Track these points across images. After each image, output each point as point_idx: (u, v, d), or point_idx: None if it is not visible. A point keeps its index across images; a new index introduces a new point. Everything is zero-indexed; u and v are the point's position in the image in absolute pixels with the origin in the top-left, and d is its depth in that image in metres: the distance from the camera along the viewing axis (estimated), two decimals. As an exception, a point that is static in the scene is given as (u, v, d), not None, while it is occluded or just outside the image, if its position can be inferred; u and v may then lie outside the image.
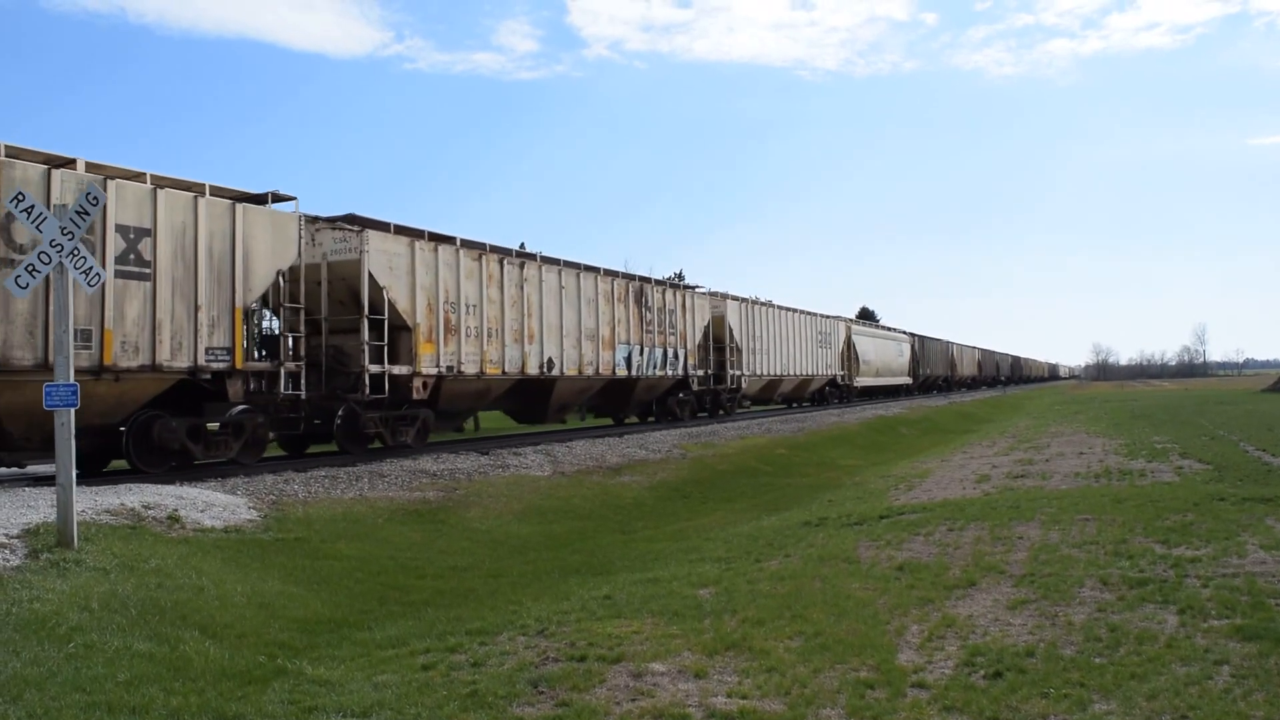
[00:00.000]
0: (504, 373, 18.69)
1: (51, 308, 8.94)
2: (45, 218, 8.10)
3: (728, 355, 30.35)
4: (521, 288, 19.40)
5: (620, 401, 25.33)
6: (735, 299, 31.84)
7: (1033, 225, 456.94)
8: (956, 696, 4.84)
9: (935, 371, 64.11)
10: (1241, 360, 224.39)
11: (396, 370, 16.24)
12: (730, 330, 30.60)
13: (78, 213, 8.17)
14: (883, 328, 56.20)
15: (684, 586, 7.80)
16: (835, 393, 44.27)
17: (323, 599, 8.21)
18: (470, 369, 17.83)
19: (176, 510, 10.22)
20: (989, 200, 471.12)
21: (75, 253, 8.13)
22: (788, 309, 37.65)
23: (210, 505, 10.88)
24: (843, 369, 44.67)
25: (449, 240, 17.80)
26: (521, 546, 11.58)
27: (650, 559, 10.12)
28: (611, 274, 23.25)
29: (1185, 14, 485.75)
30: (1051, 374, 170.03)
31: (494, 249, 19.09)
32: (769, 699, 4.97)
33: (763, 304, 34.61)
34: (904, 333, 55.90)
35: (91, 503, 9.85)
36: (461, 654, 6.10)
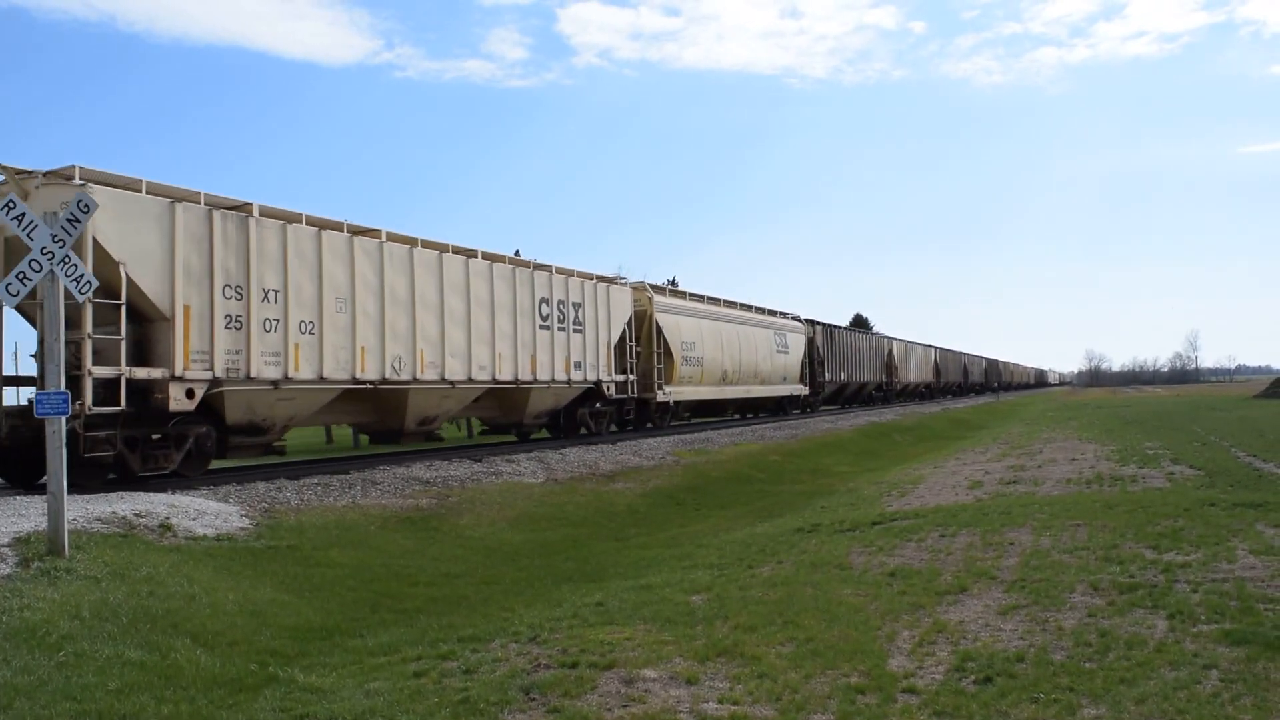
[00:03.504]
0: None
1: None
2: (36, 225, 8.10)
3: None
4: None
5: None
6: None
7: (1023, 233, 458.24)
8: (947, 702, 4.85)
9: (859, 377, 47.61)
10: (1233, 366, 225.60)
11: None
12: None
13: (69, 220, 8.17)
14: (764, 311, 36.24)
15: (676, 593, 7.80)
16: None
17: (315, 606, 8.20)
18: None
19: (168, 518, 10.20)
20: (979, 208, 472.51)
21: (66, 260, 8.12)
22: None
23: (202, 513, 10.86)
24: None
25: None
26: (514, 553, 11.57)
27: (643, 566, 10.12)
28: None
29: (1172, 23, 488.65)
30: (1039, 380, 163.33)
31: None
32: (760, 705, 4.98)
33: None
34: (796, 319, 38.82)
35: (83, 511, 9.83)
36: (453, 661, 6.10)
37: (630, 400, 24.34)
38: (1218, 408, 43.02)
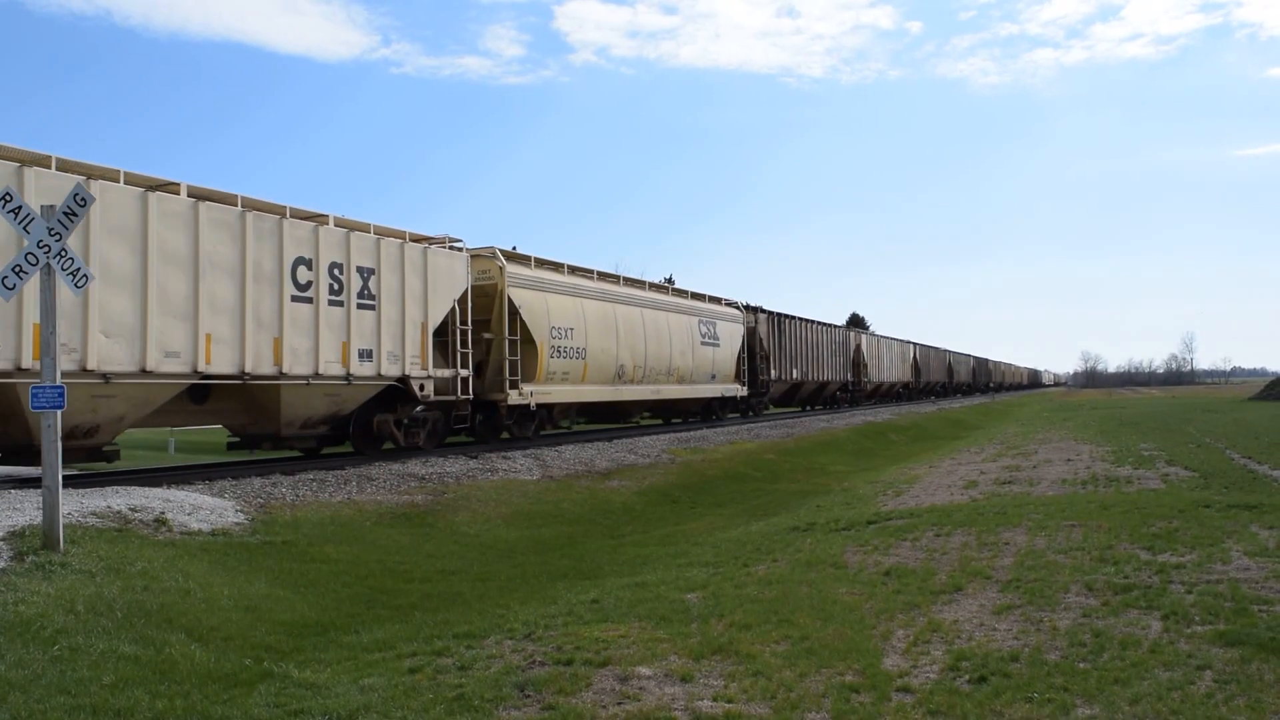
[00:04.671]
0: None
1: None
2: (33, 218, 8.08)
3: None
4: None
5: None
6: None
7: (1019, 233, 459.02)
8: (941, 701, 4.86)
9: (817, 375, 41.01)
10: (1229, 368, 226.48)
11: None
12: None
13: (66, 213, 8.15)
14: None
15: (671, 591, 7.81)
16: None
17: (309, 602, 8.19)
18: None
19: (163, 513, 10.19)
20: (976, 209, 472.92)
21: (63, 254, 8.11)
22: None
23: (197, 508, 10.85)
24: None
25: None
26: (509, 550, 11.57)
27: (638, 564, 10.13)
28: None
29: (1168, 25, 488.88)
30: (1033, 380, 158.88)
31: None
32: (755, 703, 4.98)
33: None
34: (732, 305, 32.60)
35: (78, 505, 9.82)
36: (448, 657, 6.10)
37: (464, 403, 18.29)
38: (1213, 409, 43.11)
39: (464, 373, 18.03)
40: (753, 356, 33.41)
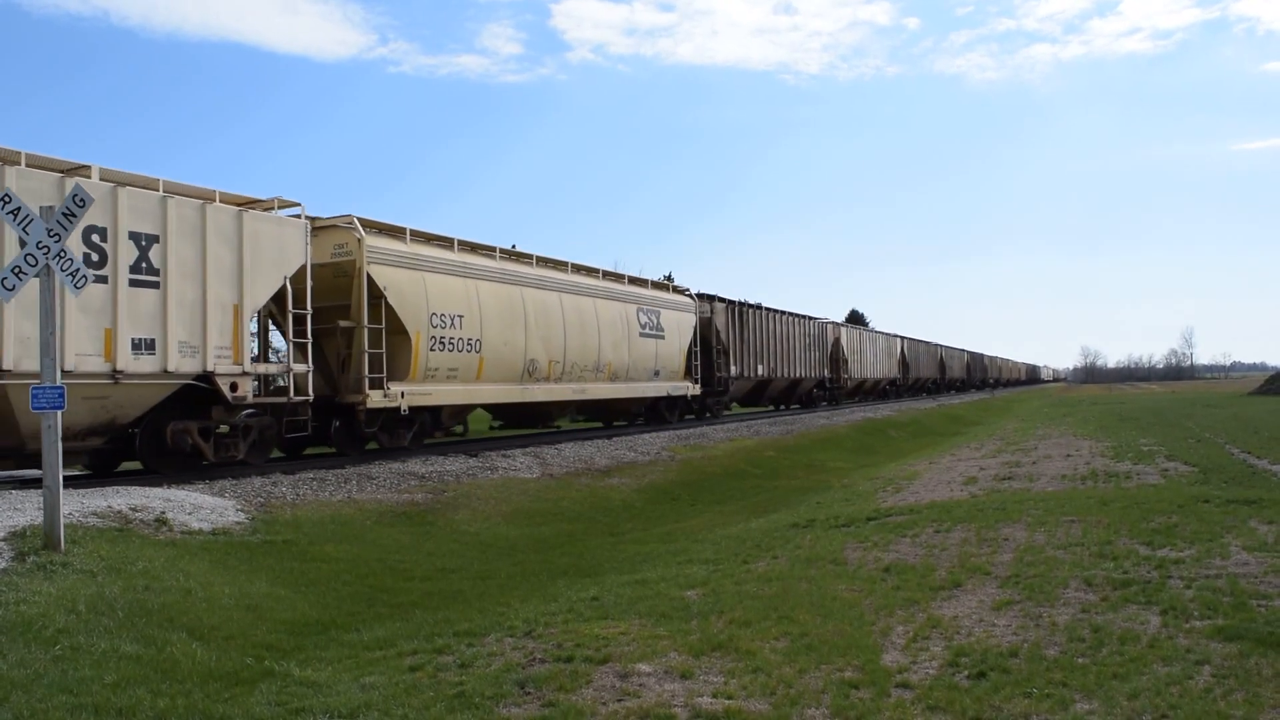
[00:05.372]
0: None
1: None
2: (32, 219, 8.09)
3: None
4: None
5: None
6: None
7: (1018, 229, 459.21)
8: (940, 696, 4.87)
9: (787, 372, 36.76)
10: (1228, 363, 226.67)
11: None
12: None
13: (65, 214, 8.16)
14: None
15: (671, 588, 7.82)
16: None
17: (310, 601, 8.21)
18: None
19: (164, 513, 10.20)
20: (974, 205, 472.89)
21: (62, 254, 8.12)
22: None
23: (198, 508, 10.86)
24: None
25: None
26: (509, 548, 11.59)
27: (638, 561, 10.15)
28: None
29: (1166, 20, 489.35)
30: (1031, 376, 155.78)
31: None
32: (754, 699, 5.00)
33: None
34: (683, 292, 28.98)
35: (79, 505, 9.83)
36: (449, 655, 6.11)
37: (301, 405, 14.91)
38: (1212, 404, 43.13)
39: (299, 368, 14.98)
40: (708, 351, 29.78)
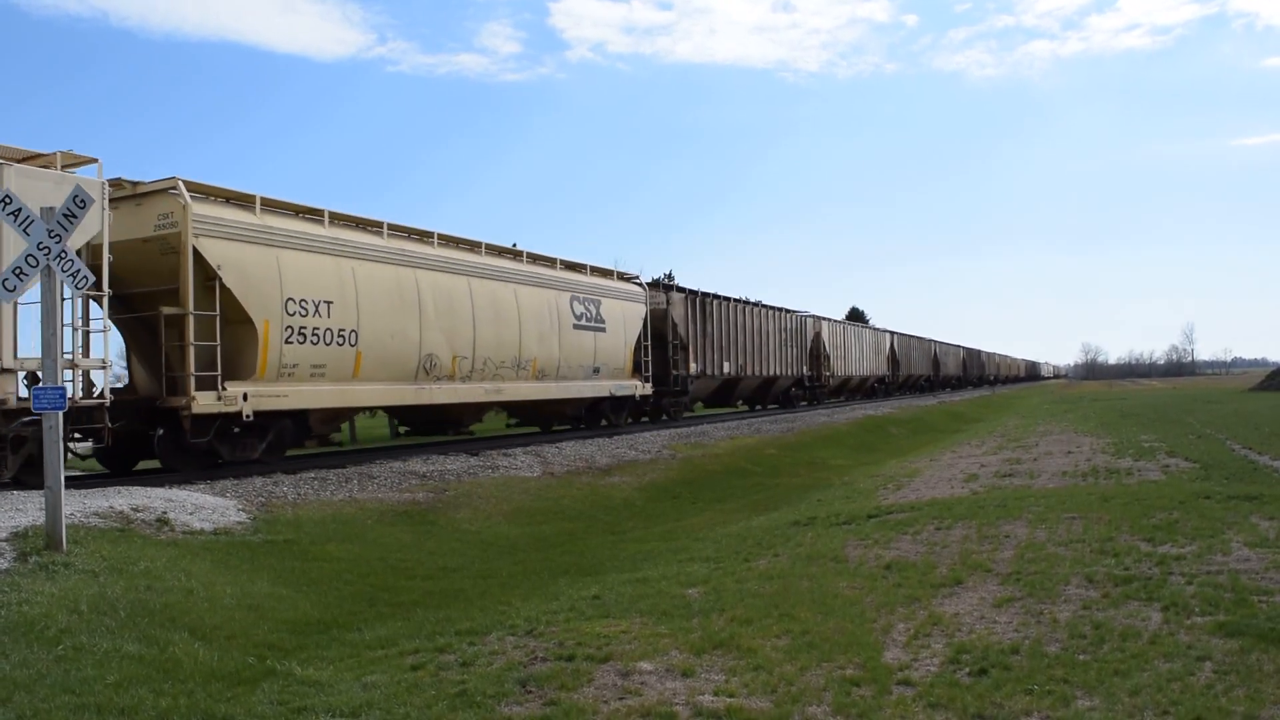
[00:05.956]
0: None
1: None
2: (32, 220, 8.09)
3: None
4: None
5: None
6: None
7: (1018, 226, 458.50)
8: (941, 694, 4.88)
9: (759, 369, 34.05)
10: (1229, 359, 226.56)
11: None
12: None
13: (65, 215, 8.15)
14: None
15: (672, 586, 7.83)
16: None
17: (312, 600, 8.22)
18: None
19: (166, 513, 10.21)
20: (974, 201, 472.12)
21: (63, 255, 8.12)
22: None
23: (200, 508, 10.87)
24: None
25: None
26: (511, 547, 11.60)
27: (639, 559, 10.15)
28: None
29: (1164, 15, 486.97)
30: (1031, 373, 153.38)
31: None
32: (756, 697, 5.00)
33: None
34: (631, 280, 25.93)
35: (80, 505, 9.84)
36: (450, 654, 6.12)
37: (95, 411, 12.04)
38: (1214, 400, 43.10)
39: (88, 362, 12.22)
40: (663, 346, 26.80)
